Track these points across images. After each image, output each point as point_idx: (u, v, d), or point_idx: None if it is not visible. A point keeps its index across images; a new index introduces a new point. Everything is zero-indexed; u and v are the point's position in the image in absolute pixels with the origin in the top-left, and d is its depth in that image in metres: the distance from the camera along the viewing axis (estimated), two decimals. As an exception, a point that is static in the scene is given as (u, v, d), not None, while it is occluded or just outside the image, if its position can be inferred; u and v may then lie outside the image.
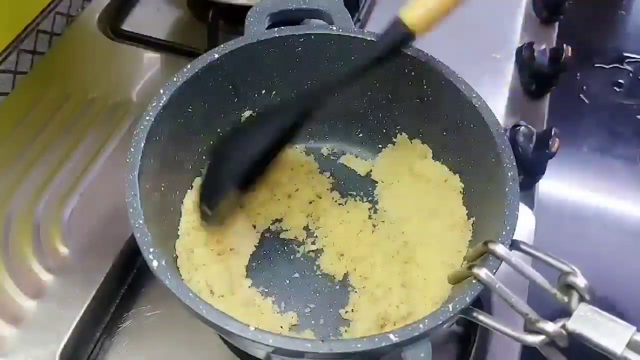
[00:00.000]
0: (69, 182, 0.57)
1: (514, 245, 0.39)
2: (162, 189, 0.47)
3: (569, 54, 0.70)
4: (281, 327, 0.47)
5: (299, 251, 0.52)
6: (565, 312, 0.34)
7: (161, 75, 0.67)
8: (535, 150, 0.62)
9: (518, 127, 0.64)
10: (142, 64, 0.69)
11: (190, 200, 0.51)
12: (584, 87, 0.98)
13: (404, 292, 0.47)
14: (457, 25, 0.74)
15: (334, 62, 0.52)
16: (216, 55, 0.48)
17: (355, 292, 0.49)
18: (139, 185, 0.41)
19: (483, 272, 0.37)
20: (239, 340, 0.37)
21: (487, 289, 0.37)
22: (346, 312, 0.48)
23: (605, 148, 0.93)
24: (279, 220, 0.53)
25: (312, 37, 0.51)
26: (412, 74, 0.51)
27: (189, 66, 0.47)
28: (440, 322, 0.36)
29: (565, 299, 0.35)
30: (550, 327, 0.33)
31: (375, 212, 0.54)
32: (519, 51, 0.72)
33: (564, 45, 0.71)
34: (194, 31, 0.72)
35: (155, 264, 0.37)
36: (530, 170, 0.63)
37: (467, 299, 0.37)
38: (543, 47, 0.72)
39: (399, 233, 0.51)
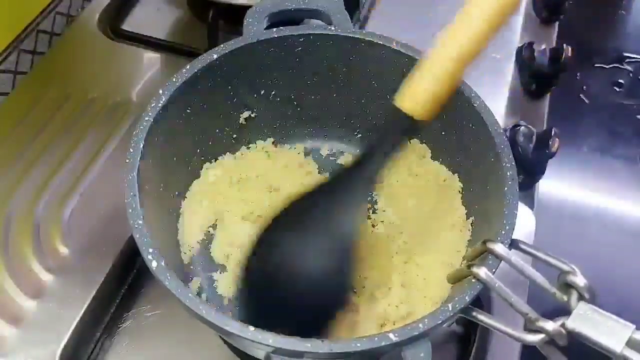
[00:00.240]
0: (69, 182, 0.57)
1: (514, 244, 0.39)
2: (162, 189, 0.47)
3: (569, 54, 0.70)
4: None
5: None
6: (565, 312, 0.34)
7: (161, 75, 0.67)
8: (535, 150, 0.62)
9: (518, 127, 0.64)
10: (142, 64, 0.69)
11: (189, 205, 0.51)
12: (584, 87, 0.98)
13: (404, 292, 0.47)
14: (457, 25, 0.74)
15: (333, 62, 0.52)
16: (215, 56, 0.48)
17: (354, 292, 0.49)
18: (138, 185, 0.41)
19: (482, 272, 0.37)
20: (239, 341, 0.37)
21: (486, 288, 0.37)
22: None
23: (605, 148, 0.92)
24: None
25: (311, 37, 0.51)
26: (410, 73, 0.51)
27: (188, 67, 0.47)
28: (440, 321, 0.36)
29: (565, 298, 0.35)
30: (549, 325, 0.33)
31: (374, 212, 0.54)
32: (519, 51, 0.72)
33: (564, 45, 0.71)
34: (194, 31, 0.72)
35: (154, 264, 0.37)
36: (530, 170, 0.63)
37: (466, 298, 0.37)
38: (543, 47, 0.72)
39: (398, 233, 0.51)
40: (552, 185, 0.85)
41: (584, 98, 0.97)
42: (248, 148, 0.56)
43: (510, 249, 0.38)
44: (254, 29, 0.51)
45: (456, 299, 0.37)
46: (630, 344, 0.31)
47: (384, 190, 0.54)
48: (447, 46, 0.38)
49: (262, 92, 0.54)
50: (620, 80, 0.99)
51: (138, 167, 0.42)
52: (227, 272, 0.50)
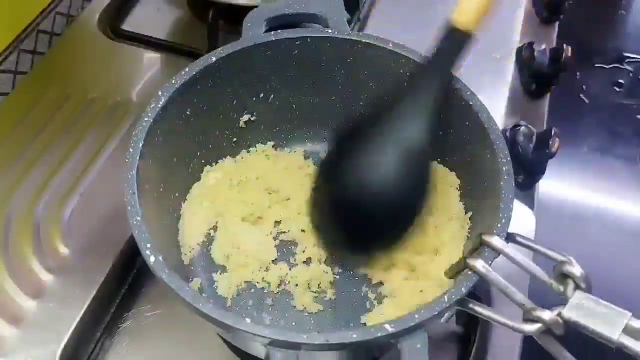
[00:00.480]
0: (69, 182, 0.57)
1: (510, 238, 0.40)
2: (162, 190, 0.47)
3: (569, 54, 0.70)
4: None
5: (296, 252, 0.52)
6: (562, 303, 0.34)
7: (161, 75, 0.67)
8: (535, 150, 0.62)
9: (518, 127, 0.64)
10: (142, 64, 0.69)
11: (189, 207, 0.51)
12: (584, 87, 0.98)
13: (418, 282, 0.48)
14: (457, 25, 0.74)
15: (331, 64, 0.53)
16: (214, 58, 0.49)
17: (372, 288, 0.49)
18: (138, 184, 0.41)
19: (479, 263, 0.37)
20: (237, 335, 0.37)
21: (483, 280, 0.37)
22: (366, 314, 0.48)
23: (605, 148, 0.93)
24: (277, 223, 0.53)
25: (309, 39, 0.51)
26: (408, 74, 0.51)
27: (187, 69, 0.48)
28: (436, 312, 0.36)
29: (561, 288, 0.35)
30: (546, 315, 0.33)
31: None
32: (519, 51, 0.72)
33: (564, 45, 0.71)
34: (194, 31, 0.72)
35: (152, 259, 0.38)
36: (530, 170, 0.63)
37: (462, 289, 0.37)
38: (543, 47, 0.72)
39: None
40: (552, 185, 0.86)
41: (584, 98, 0.97)
42: (248, 151, 0.56)
43: (507, 243, 0.38)
44: (252, 32, 0.51)
45: (452, 290, 0.37)
46: (627, 330, 0.31)
47: None
48: None
49: (262, 95, 0.54)
50: (620, 80, 0.99)
51: (137, 166, 0.42)
52: (227, 272, 0.50)
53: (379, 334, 0.35)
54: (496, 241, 0.37)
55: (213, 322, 0.36)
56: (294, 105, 0.56)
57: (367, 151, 0.44)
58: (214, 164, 0.54)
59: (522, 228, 0.57)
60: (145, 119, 0.44)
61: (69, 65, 0.69)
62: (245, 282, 0.50)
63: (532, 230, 0.58)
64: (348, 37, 0.51)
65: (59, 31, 0.72)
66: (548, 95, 0.75)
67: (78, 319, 0.48)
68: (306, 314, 0.48)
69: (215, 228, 0.52)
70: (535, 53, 0.71)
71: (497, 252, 0.37)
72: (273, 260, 0.51)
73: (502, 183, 0.42)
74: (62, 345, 0.47)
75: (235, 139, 0.55)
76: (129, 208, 0.40)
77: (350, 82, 0.54)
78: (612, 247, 0.83)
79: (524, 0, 0.79)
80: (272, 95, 0.54)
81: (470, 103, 0.47)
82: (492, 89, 0.68)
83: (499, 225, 0.40)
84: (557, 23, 0.83)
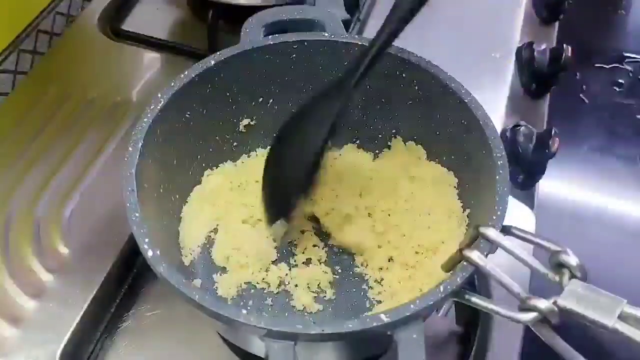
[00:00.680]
0: (69, 182, 0.57)
1: (506, 230, 0.40)
2: (162, 190, 0.47)
3: (569, 54, 0.70)
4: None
5: (296, 253, 0.52)
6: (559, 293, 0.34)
7: (161, 75, 0.67)
8: (535, 150, 0.62)
9: (518, 127, 0.64)
10: (142, 64, 0.69)
11: (190, 208, 0.51)
12: (584, 87, 0.98)
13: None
14: (457, 25, 0.74)
15: (328, 68, 0.53)
16: (212, 62, 0.49)
17: (371, 287, 0.50)
18: (137, 183, 0.41)
19: (474, 254, 0.37)
20: (235, 328, 0.38)
21: (479, 271, 0.37)
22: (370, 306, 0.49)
23: (605, 148, 0.93)
24: None
25: (305, 43, 0.51)
26: (403, 75, 0.51)
27: (186, 72, 0.48)
28: (431, 302, 0.36)
29: (557, 278, 0.35)
30: (542, 303, 0.33)
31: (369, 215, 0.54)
32: (519, 51, 0.72)
33: (564, 45, 0.71)
34: (194, 31, 0.72)
35: (150, 253, 0.38)
36: (530, 170, 0.63)
37: (457, 279, 0.37)
38: (543, 47, 0.72)
39: (394, 226, 0.52)
40: (552, 185, 0.86)
41: (584, 98, 0.97)
42: (249, 156, 0.56)
43: (504, 235, 0.38)
44: (251, 38, 0.51)
45: (448, 280, 0.37)
46: (623, 317, 0.31)
47: (382, 190, 0.55)
48: None
49: (261, 100, 0.54)
50: (620, 80, 0.99)
51: (137, 165, 0.42)
52: (227, 273, 0.50)
53: (375, 324, 0.35)
54: (492, 233, 0.37)
55: (211, 314, 0.36)
56: (293, 110, 0.56)
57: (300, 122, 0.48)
58: (214, 167, 0.54)
59: (522, 227, 0.57)
60: (145, 119, 0.45)
61: (68, 65, 0.69)
62: (245, 283, 0.50)
63: (532, 230, 0.58)
64: (345, 40, 0.51)
65: (59, 31, 0.72)
66: (548, 95, 0.75)
67: (78, 319, 0.48)
68: (306, 314, 0.49)
69: (215, 231, 0.52)
70: (535, 53, 0.71)
71: (493, 243, 0.37)
72: (273, 261, 0.51)
73: (497, 177, 0.43)
74: (62, 345, 0.47)
75: (235, 144, 0.55)
76: (128, 205, 0.40)
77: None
78: (612, 247, 0.83)
79: (524, 0, 0.79)
80: (271, 100, 0.55)
81: (466, 100, 0.47)
82: (492, 89, 0.68)
83: (494, 217, 0.40)
84: (557, 23, 0.83)
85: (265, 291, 0.50)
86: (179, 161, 0.50)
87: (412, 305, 0.36)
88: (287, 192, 0.48)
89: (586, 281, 0.34)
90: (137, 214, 0.40)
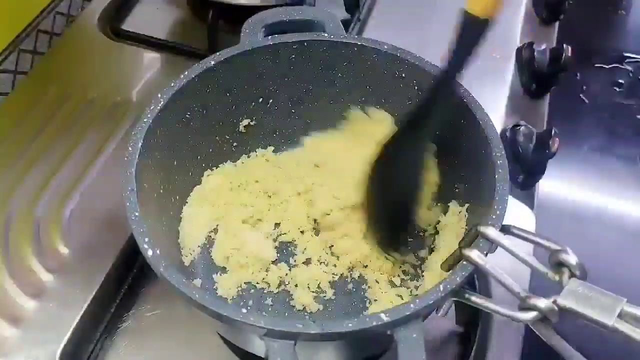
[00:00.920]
0: (69, 182, 0.57)
1: (506, 229, 0.40)
2: (162, 190, 0.47)
3: (569, 54, 0.70)
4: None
5: (296, 253, 0.52)
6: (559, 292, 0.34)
7: (161, 75, 0.67)
8: (535, 150, 0.62)
9: (518, 127, 0.64)
10: (142, 64, 0.69)
11: (190, 209, 0.51)
12: (584, 87, 0.98)
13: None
14: (457, 25, 0.74)
15: (327, 68, 0.53)
16: (212, 62, 0.49)
17: (371, 287, 0.50)
18: (137, 183, 0.41)
19: (474, 254, 0.37)
20: (234, 327, 0.37)
21: (478, 270, 0.37)
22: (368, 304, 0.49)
23: (605, 148, 0.93)
24: (277, 225, 0.54)
25: (305, 43, 0.51)
26: (403, 75, 0.51)
27: (186, 72, 0.48)
28: (431, 301, 0.36)
29: (557, 277, 0.35)
30: (542, 303, 0.34)
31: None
32: (519, 51, 0.72)
33: (564, 45, 0.71)
34: (194, 31, 0.72)
35: (150, 252, 0.38)
36: (530, 170, 0.63)
37: (457, 279, 0.37)
38: (543, 47, 0.72)
39: None
40: (552, 185, 0.86)
41: (584, 98, 0.97)
42: (248, 156, 0.56)
43: (504, 235, 0.39)
44: (251, 39, 0.52)
45: (447, 279, 0.37)
46: (622, 316, 0.31)
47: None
48: None
49: (261, 100, 0.54)
50: (620, 80, 0.99)
51: (137, 165, 0.42)
52: (227, 273, 0.50)
53: (375, 323, 0.35)
54: (492, 232, 0.38)
55: (211, 314, 0.36)
56: (292, 110, 0.56)
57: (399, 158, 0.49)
58: (214, 167, 0.54)
59: (522, 227, 0.57)
60: (145, 119, 0.45)
61: (68, 65, 0.69)
62: (245, 282, 0.50)
63: (532, 230, 0.58)
64: (344, 41, 0.51)
65: (59, 31, 0.72)
66: (548, 95, 0.75)
67: (78, 319, 0.48)
68: (306, 313, 0.49)
69: (215, 231, 0.52)
70: (535, 53, 0.71)
71: (493, 242, 0.37)
72: (273, 261, 0.51)
73: (497, 177, 0.43)
74: (62, 345, 0.47)
75: (235, 144, 0.55)
76: (128, 204, 0.40)
77: (348, 85, 0.54)
78: (612, 247, 0.83)
79: (524, 0, 0.79)
80: (271, 100, 0.55)
81: (465, 100, 0.47)
82: (492, 89, 0.68)
83: (494, 216, 0.40)
84: (557, 23, 0.83)
85: (265, 291, 0.50)
86: (179, 161, 0.50)
87: (412, 305, 0.36)
88: (397, 230, 0.51)
89: (586, 280, 0.34)
90: (137, 214, 0.40)
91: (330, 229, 0.52)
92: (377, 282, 0.50)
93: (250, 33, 0.52)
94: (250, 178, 0.55)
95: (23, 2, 0.67)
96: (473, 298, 0.38)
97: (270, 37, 0.51)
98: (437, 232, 0.52)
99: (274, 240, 0.52)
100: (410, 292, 0.49)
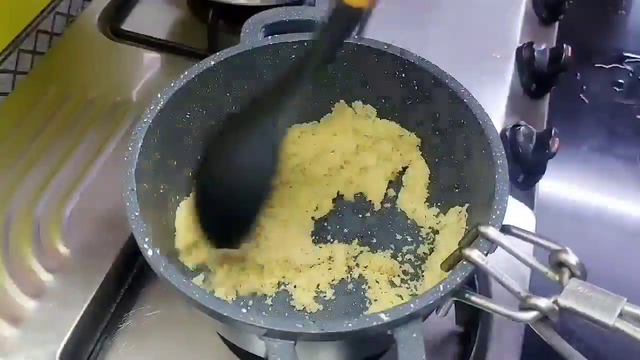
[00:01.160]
0: (69, 182, 0.57)
1: (506, 229, 0.40)
2: (162, 190, 0.48)
3: (569, 54, 0.70)
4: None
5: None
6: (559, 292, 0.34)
7: (161, 75, 0.67)
8: (535, 150, 0.62)
9: (518, 127, 0.64)
10: (142, 64, 0.69)
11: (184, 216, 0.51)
12: (584, 87, 0.98)
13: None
14: (457, 25, 0.74)
15: (328, 68, 0.53)
16: (212, 62, 0.49)
17: (371, 287, 0.50)
18: (137, 182, 0.42)
19: (474, 253, 0.37)
20: (234, 327, 0.37)
21: (479, 270, 0.37)
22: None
23: (605, 148, 0.93)
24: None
25: (305, 44, 0.51)
26: (403, 75, 0.51)
27: (186, 72, 0.48)
28: (431, 301, 0.36)
29: (557, 277, 0.35)
30: (542, 302, 0.34)
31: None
32: (519, 51, 0.72)
33: (564, 45, 0.71)
34: (194, 31, 0.72)
35: (150, 252, 0.38)
36: (530, 170, 0.63)
37: (457, 279, 0.37)
38: (543, 47, 0.72)
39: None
40: (552, 185, 0.86)
41: (584, 98, 0.97)
42: None
43: (504, 235, 0.39)
44: (250, 39, 0.52)
45: (447, 279, 0.37)
46: (623, 316, 0.31)
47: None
48: None
49: None
50: (620, 80, 0.99)
51: (137, 165, 0.42)
52: (226, 274, 0.50)
53: (375, 323, 0.35)
54: (492, 232, 0.38)
55: (211, 314, 0.36)
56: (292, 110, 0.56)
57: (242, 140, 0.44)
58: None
59: (522, 227, 0.57)
60: (145, 119, 0.45)
61: (68, 65, 0.69)
62: (245, 283, 0.50)
63: (532, 230, 0.58)
64: (344, 41, 0.51)
65: (59, 31, 0.72)
66: (548, 95, 0.75)
67: (78, 319, 0.48)
68: (306, 313, 0.48)
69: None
70: (535, 53, 0.71)
71: (493, 242, 0.37)
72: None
73: (497, 176, 0.43)
74: (62, 345, 0.47)
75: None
76: (128, 204, 0.40)
77: (347, 85, 0.54)
78: (612, 247, 0.83)
79: (524, 0, 0.79)
80: None
81: (465, 101, 0.47)
82: (492, 89, 0.68)
83: (494, 216, 0.40)
84: (557, 23, 0.83)
85: (265, 291, 0.49)
86: (179, 161, 0.50)
87: (411, 305, 0.36)
88: (235, 223, 0.45)
89: (586, 280, 0.34)
90: (137, 213, 0.40)
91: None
92: (377, 282, 0.50)
93: (250, 33, 0.52)
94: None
95: (23, 2, 0.67)
96: (473, 298, 0.38)
97: (270, 37, 0.52)
98: (437, 232, 0.52)
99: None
100: (410, 292, 0.49)
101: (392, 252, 0.51)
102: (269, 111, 0.43)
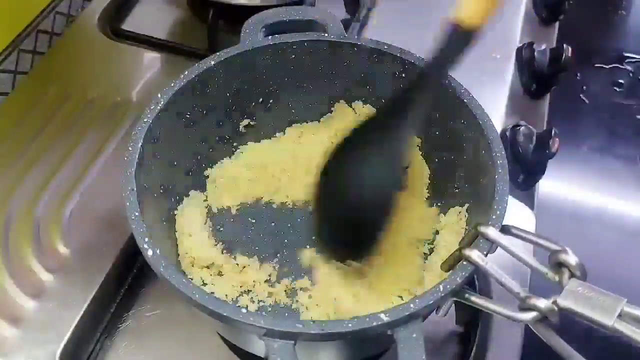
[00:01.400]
0: (69, 182, 0.57)
1: (505, 230, 0.40)
2: (161, 190, 0.48)
3: (569, 54, 0.70)
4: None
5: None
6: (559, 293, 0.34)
7: (161, 75, 0.67)
8: (535, 150, 0.62)
9: (518, 127, 0.64)
10: (142, 64, 0.69)
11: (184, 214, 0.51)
12: (584, 87, 0.98)
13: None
14: (457, 25, 0.74)
15: (329, 69, 0.53)
16: (212, 62, 0.49)
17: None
18: (137, 183, 0.42)
19: (474, 254, 0.37)
20: (234, 327, 0.38)
21: (478, 270, 0.37)
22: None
23: (605, 148, 0.93)
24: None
25: (305, 44, 0.52)
26: (403, 75, 0.51)
27: (186, 72, 0.48)
28: (431, 301, 0.36)
29: (557, 277, 0.35)
30: (542, 303, 0.34)
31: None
32: (519, 51, 0.72)
33: (564, 45, 0.71)
34: (194, 31, 0.72)
35: (150, 252, 0.38)
36: (530, 170, 0.63)
37: (457, 279, 0.37)
38: (543, 47, 0.72)
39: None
40: (552, 185, 0.86)
41: (584, 98, 0.97)
42: None
43: (504, 235, 0.39)
44: (251, 39, 0.52)
45: (447, 280, 0.37)
46: (623, 316, 0.31)
47: None
48: None
49: (261, 100, 0.54)
50: (620, 80, 0.99)
51: (137, 165, 0.42)
52: (226, 275, 0.50)
53: (374, 323, 0.35)
54: (491, 232, 0.38)
55: (211, 314, 0.36)
56: (293, 110, 0.56)
57: (362, 156, 0.45)
58: (214, 167, 0.54)
59: (522, 227, 0.57)
60: (145, 119, 0.45)
61: (68, 65, 0.69)
62: (244, 284, 0.50)
63: (532, 230, 0.58)
64: (344, 41, 0.51)
65: (59, 31, 0.72)
66: (548, 95, 0.75)
67: (78, 319, 0.48)
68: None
69: (214, 231, 0.52)
70: (535, 53, 0.71)
71: (493, 243, 0.37)
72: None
73: (497, 177, 0.43)
74: (62, 345, 0.47)
75: (235, 144, 0.55)
76: (127, 204, 0.40)
77: (347, 85, 0.54)
78: (612, 247, 0.83)
79: (524, 0, 0.79)
80: (271, 100, 0.55)
81: (465, 101, 0.47)
82: (492, 89, 0.68)
83: (494, 216, 0.40)
84: (557, 23, 0.83)
85: (265, 292, 0.49)
86: (179, 161, 0.50)
87: (411, 305, 0.36)
88: (359, 236, 0.45)
89: (586, 280, 0.34)
90: (137, 214, 0.40)
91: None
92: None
93: (250, 33, 0.52)
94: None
95: (23, 2, 0.67)
96: (473, 298, 0.38)
97: (270, 37, 0.52)
98: (437, 232, 0.52)
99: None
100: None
101: (392, 252, 0.51)
102: (387, 131, 0.44)
